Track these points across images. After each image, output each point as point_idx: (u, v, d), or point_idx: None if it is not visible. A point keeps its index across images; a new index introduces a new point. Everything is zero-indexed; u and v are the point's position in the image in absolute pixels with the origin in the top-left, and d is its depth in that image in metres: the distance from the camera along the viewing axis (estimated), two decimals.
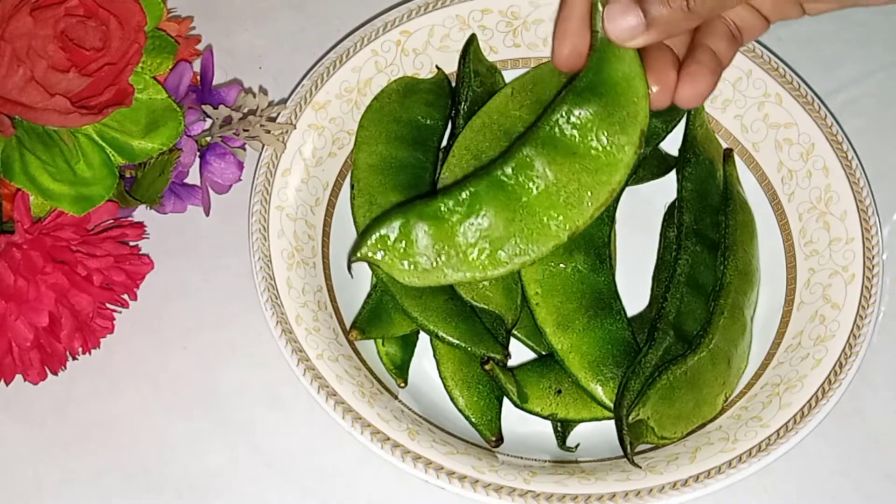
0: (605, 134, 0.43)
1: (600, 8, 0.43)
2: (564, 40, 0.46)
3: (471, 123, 0.51)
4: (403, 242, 0.42)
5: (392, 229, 0.42)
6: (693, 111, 0.53)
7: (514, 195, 0.43)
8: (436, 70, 0.55)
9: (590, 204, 0.43)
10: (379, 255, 0.42)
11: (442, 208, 0.42)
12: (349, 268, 0.44)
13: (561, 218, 0.43)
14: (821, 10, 0.45)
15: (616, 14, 0.42)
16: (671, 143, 0.54)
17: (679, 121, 0.54)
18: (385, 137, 0.52)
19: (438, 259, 0.42)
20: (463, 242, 0.43)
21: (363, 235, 0.43)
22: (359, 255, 0.43)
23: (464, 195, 0.43)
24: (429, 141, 0.53)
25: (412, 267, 0.42)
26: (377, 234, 0.42)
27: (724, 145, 0.54)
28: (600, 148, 0.43)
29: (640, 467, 0.45)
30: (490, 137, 0.51)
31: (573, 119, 0.43)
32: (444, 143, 0.54)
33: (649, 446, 0.47)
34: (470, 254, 0.43)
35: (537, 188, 0.43)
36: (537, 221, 0.43)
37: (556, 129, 0.43)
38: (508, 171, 0.43)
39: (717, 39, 0.45)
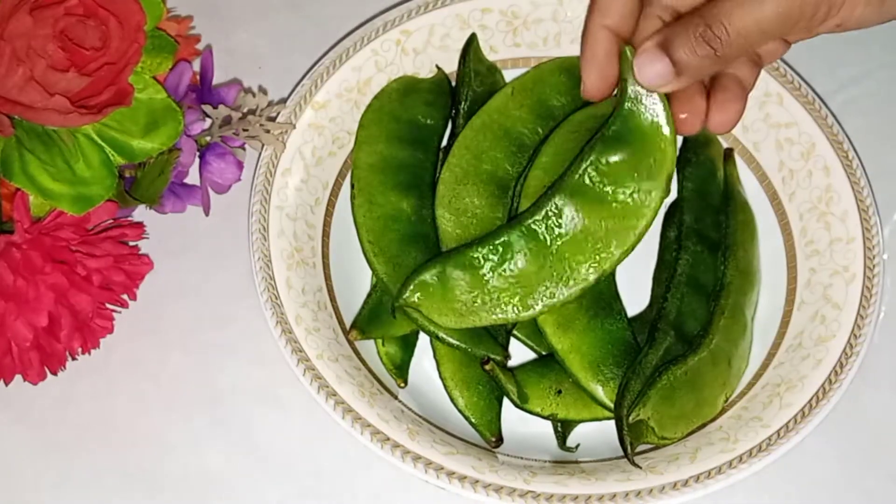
0: (633, 181, 0.45)
1: (629, 56, 0.44)
2: (591, 69, 0.46)
3: (471, 123, 0.51)
4: (441, 289, 0.45)
5: (430, 277, 0.45)
6: None
7: (543, 242, 0.45)
8: (436, 69, 0.55)
9: (616, 248, 0.45)
10: (419, 302, 0.45)
11: (475, 256, 0.45)
12: (393, 313, 0.47)
13: (589, 262, 0.45)
14: (835, 31, 0.46)
15: (645, 63, 0.43)
16: None
17: None
18: (385, 137, 0.52)
19: (474, 304, 0.45)
20: (496, 288, 0.45)
21: (404, 284, 0.46)
22: (400, 301, 0.45)
23: (496, 243, 0.45)
24: (429, 141, 0.53)
25: (450, 312, 0.45)
26: (417, 282, 0.45)
27: (725, 145, 0.54)
28: (627, 194, 0.45)
29: (641, 467, 0.45)
30: (490, 137, 0.51)
31: (601, 167, 0.45)
32: (444, 142, 0.54)
33: (650, 446, 0.47)
34: (503, 298, 0.45)
35: (566, 235, 0.45)
36: (566, 266, 0.45)
37: (585, 178, 0.45)
38: (538, 219, 0.45)
39: (740, 65, 0.46)
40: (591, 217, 0.45)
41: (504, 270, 0.45)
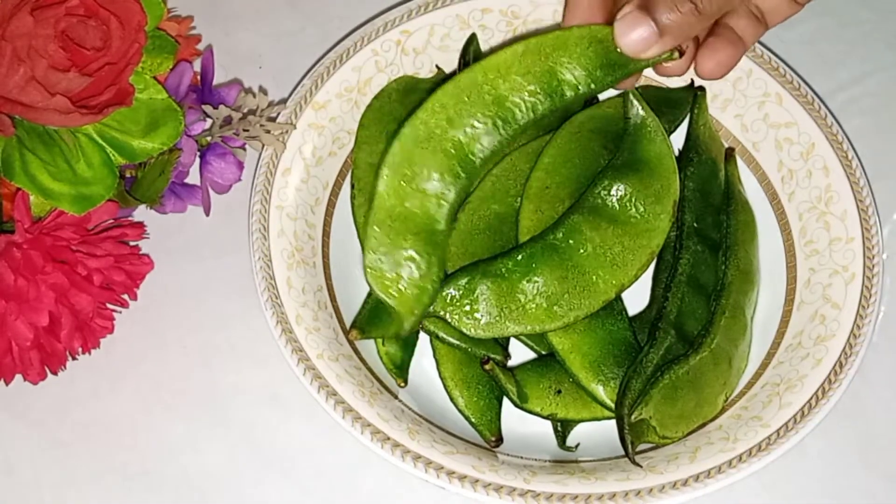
0: (643, 204, 0.47)
1: (632, 96, 0.47)
2: (573, 18, 0.47)
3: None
4: (469, 300, 0.46)
5: (458, 288, 0.46)
6: (696, 110, 0.53)
7: (565, 256, 0.47)
8: (436, 70, 0.55)
9: (633, 264, 0.47)
10: (446, 313, 0.46)
11: (502, 269, 0.46)
12: (421, 325, 0.47)
13: (608, 277, 0.47)
14: None
15: (627, 28, 0.43)
16: (673, 143, 0.54)
17: (682, 120, 0.54)
18: (385, 137, 0.52)
19: (501, 313, 0.46)
20: (522, 298, 0.46)
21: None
22: (429, 310, 0.46)
23: (520, 257, 0.46)
24: None
25: (477, 321, 0.46)
26: (444, 294, 0.46)
27: (725, 145, 0.54)
28: (639, 216, 0.47)
29: (641, 467, 0.45)
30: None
31: (613, 191, 0.47)
32: None
33: (649, 446, 0.47)
34: (529, 308, 0.46)
35: (586, 250, 0.47)
36: (587, 280, 0.46)
37: (599, 200, 0.47)
38: (560, 235, 0.47)
39: (736, 18, 0.46)
40: (607, 234, 0.47)
41: (529, 282, 0.46)
